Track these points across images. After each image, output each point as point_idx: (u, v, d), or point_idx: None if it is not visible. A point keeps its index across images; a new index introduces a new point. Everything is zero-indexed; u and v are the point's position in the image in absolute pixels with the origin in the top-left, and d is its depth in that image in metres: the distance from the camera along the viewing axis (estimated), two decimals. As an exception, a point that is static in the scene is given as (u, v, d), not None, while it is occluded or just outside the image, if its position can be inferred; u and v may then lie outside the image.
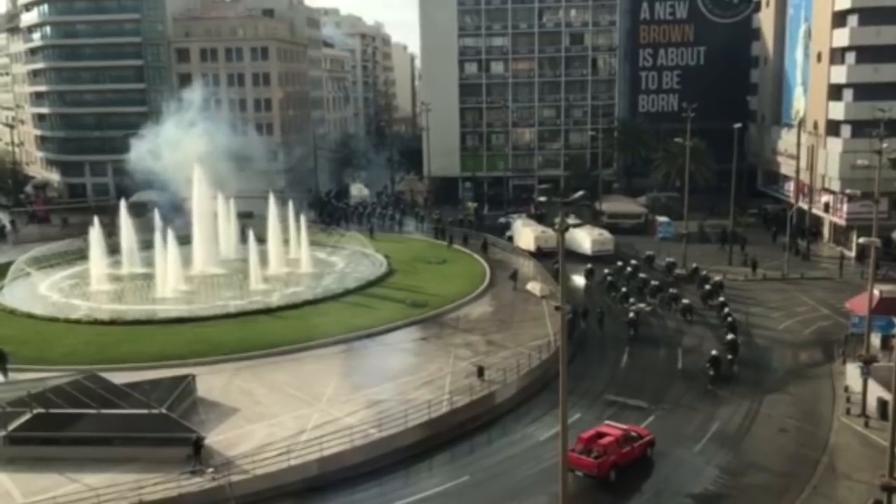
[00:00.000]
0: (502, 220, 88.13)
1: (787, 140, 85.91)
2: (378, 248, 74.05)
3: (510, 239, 79.93)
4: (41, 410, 37.25)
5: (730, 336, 48.72)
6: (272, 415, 39.71)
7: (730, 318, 52.30)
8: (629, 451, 34.84)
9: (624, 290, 60.18)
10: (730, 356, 46.77)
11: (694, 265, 66.43)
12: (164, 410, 36.71)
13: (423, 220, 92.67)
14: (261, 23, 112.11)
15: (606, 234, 74.69)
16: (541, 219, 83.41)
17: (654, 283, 61.99)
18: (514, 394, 42.23)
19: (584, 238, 72.53)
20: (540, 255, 72.20)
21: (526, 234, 77.20)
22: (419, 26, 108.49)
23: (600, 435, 35.06)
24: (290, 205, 72.63)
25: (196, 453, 34.60)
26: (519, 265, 69.12)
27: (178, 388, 39.82)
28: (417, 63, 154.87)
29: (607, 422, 37.55)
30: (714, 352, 46.53)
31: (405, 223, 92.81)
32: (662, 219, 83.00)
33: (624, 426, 36.40)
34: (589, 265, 67.04)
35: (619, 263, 67.85)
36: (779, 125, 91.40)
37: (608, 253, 72.30)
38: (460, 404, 39.74)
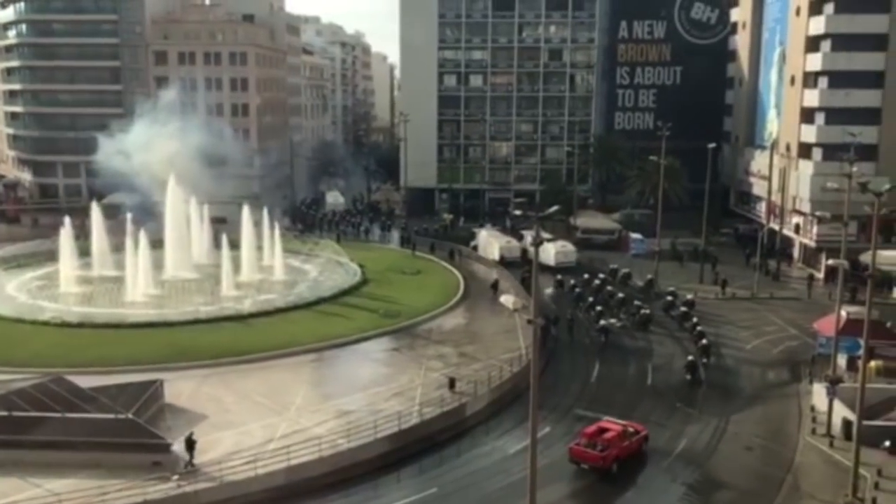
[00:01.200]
0: (476, 230, 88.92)
1: (759, 161, 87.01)
2: (352, 258, 73.88)
3: (475, 248, 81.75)
4: (3, 413, 36.52)
5: (703, 342, 50.99)
6: (240, 423, 39.37)
7: (698, 328, 54.22)
8: (628, 445, 36.95)
9: (591, 300, 62.08)
10: (704, 360, 48.98)
11: (649, 276, 68.19)
12: (130, 416, 36.25)
13: (390, 228, 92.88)
14: (240, 28, 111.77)
15: (570, 247, 76.74)
16: (514, 231, 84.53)
17: (620, 295, 63.10)
18: (485, 406, 42.21)
19: (549, 250, 73.73)
20: (503, 264, 74.35)
21: (491, 244, 79.47)
22: (399, 37, 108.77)
23: (603, 430, 36.88)
24: (265, 211, 72.31)
25: (189, 451, 34.49)
26: (489, 274, 69.93)
27: (145, 393, 39.36)
28: (397, 73, 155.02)
29: (606, 418, 38.87)
30: (690, 357, 48.62)
31: (374, 232, 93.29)
32: (635, 235, 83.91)
33: (622, 422, 38.21)
34: (559, 276, 69.10)
35: (586, 276, 69.12)
36: (752, 146, 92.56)
37: (571, 264, 74.37)
38: (430, 416, 39.66)
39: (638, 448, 37.65)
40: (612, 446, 35.96)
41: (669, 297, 62.78)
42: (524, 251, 77.26)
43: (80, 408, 37.03)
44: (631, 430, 37.76)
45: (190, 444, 34.82)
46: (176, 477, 33.43)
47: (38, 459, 34.60)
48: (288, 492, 33.66)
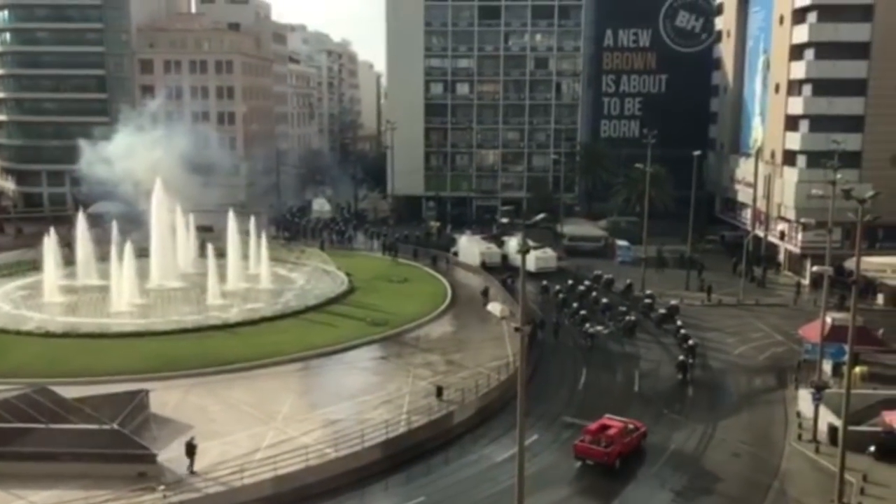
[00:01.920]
0: (456, 236, 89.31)
1: (744, 168, 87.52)
2: (339, 266, 73.75)
3: (455, 254, 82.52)
4: (-13, 424, 36.25)
5: (689, 342, 52.09)
6: (227, 432, 39.14)
7: (682, 331, 55.11)
8: (629, 441, 38.18)
9: (575, 305, 62.74)
10: (690, 360, 49.91)
11: (628, 281, 69.22)
12: (115, 426, 35.97)
13: (374, 236, 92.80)
14: (226, 36, 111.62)
15: (550, 252, 77.35)
16: (496, 237, 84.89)
17: (604, 300, 63.59)
18: (473, 414, 42.17)
19: (529, 255, 74.03)
20: (485, 269, 75.33)
21: (472, 250, 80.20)
22: (386, 45, 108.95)
23: (605, 427, 37.93)
24: (251, 219, 72.14)
25: (190, 456, 34.47)
26: (473, 280, 70.74)
27: (130, 403, 39.09)
28: (384, 81, 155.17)
29: (607, 415, 39.58)
30: (681, 357, 49.82)
31: (357, 239, 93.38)
32: (622, 243, 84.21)
33: (623, 419, 39.19)
34: (544, 281, 69.57)
35: (570, 282, 69.48)
36: (737, 154, 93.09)
37: (552, 270, 75.10)
38: (418, 424, 39.59)
39: (637, 444, 38.73)
40: (615, 442, 37.09)
41: (648, 300, 63.72)
42: (504, 257, 77.63)
43: (64, 418, 36.74)
44: (631, 426, 39.01)
45: (190, 450, 34.75)
46: (162, 487, 33.18)
47: (21, 471, 34.27)
48: (275, 501, 33.46)
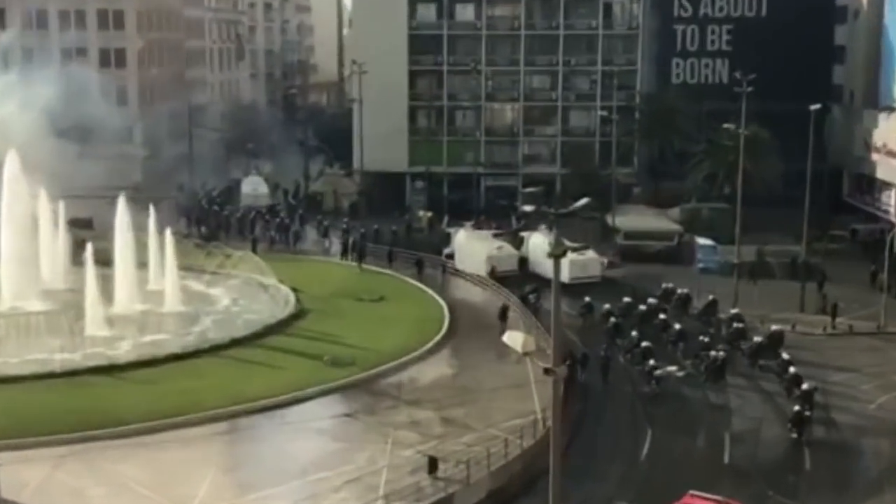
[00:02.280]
0: (451, 231, 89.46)
1: (886, 130, 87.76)
2: (282, 277, 73.87)
3: (450, 257, 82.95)
4: None
5: (804, 386, 52.26)
6: (114, 527, 39.22)
7: (791, 368, 55.61)
8: None
9: (634, 334, 62.54)
10: (807, 412, 50.21)
11: (711, 297, 69.46)
12: (-54, 520, 35.99)
13: (330, 232, 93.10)
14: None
15: (591, 255, 76.21)
16: (514, 233, 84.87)
17: (677, 326, 63.86)
18: (483, 499, 42.28)
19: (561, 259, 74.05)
20: (494, 279, 75.52)
21: (474, 250, 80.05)
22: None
23: None
24: (151, 209, 72.19)
25: None
26: (474, 294, 72.16)
27: (-30, 484, 39.07)
28: (347, 2, 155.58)
29: (692, 492, 39.45)
30: (797, 407, 49.95)
31: (308, 237, 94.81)
32: (704, 241, 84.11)
33: (717, 497, 39.02)
34: (587, 299, 69.53)
35: (627, 299, 69.70)
36: (875, 108, 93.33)
37: (593, 279, 75.85)
38: (401, 514, 39.70)
39: None
40: None
41: (738, 324, 63.96)
42: (523, 261, 77.51)
43: None
44: None
45: None
46: None
47: None
48: None
